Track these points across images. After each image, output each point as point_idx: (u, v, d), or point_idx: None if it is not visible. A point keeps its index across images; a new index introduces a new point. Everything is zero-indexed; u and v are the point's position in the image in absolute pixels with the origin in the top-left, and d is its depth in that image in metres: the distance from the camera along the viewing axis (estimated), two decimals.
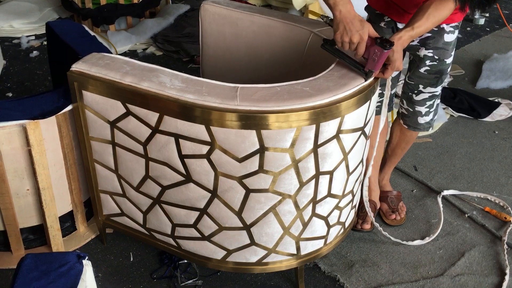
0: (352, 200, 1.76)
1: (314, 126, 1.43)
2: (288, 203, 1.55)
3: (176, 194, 1.58)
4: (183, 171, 1.51)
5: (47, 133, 1.68)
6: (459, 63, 3.47)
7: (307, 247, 1.69)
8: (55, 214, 1.78)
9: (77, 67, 1.55)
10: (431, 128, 2.00)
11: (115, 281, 1.77)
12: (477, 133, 2.72)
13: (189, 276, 1.80)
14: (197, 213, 1.58)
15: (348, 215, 1.78)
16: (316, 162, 1.50)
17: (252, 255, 1.64)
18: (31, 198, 1.75)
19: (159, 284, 1.77)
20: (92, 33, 2.03)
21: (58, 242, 1.83)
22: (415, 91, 1.90)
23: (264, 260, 1.66)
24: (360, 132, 1.58)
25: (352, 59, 1.57)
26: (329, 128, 1.46)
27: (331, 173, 1.56)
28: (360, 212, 2.05)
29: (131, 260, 1.86)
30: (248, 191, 1.50)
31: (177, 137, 1.46)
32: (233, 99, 1.40)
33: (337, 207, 1.68)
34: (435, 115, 1.97)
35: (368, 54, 1.52)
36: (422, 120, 1.95)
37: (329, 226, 1.70)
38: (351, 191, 1.71)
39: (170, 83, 1.47)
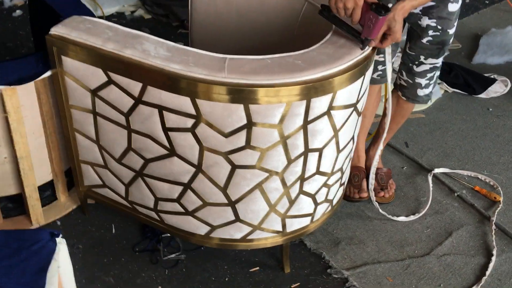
0: (341, 178, 1.71)
1: (304, 102, 1.37)
2: (275, 180, 1.50)
3: (159, 167, 1.52)
4: (167, 144, 1.45)
5: (25, 99, 1.60)
6: (456, 37, 3.38)
7: (293, 225, 1.65)
8: (33, 184, 1.72)
9: (56, 30, 1.46)
10: (430, 101, 1.94)
11: (96, 253, 1.73)
12: (471, 109, 2.67)
13: (172, 250, 1.76)
14: (180, 188, 1.53)
15: (337, 193, 1.74)
16: (306, 139, 1.45)
17: (237, 232, 1.60)
18: (9, 166, 1.68)
19: (141, 257, 1.73)
20: None
21: (37, 212, 1.77)
22: (416, 62, 1.83)
23: (249, 237, 1.62)
24: (352, 108, 1.52)
25: (350, 26, 1.50)
26: (320, 104, 1.40)
27: (320, 150, 1.51)
28: (354, 181, 2.02)
29: (113, 232, 1.81)
30: (234, 167, 1.44)
31: (161, 109, 1.39)
32: (221, 71, 1.33)
33: (325, 184, 1.63)
34: (434, 87, 1.92)
35: (364, 20, 1.45)
36: (421, 92, 1.90)
37: (316, 204, 1.66)
38: (341, 169, 1.66)
39: (154, 51, 1.39)
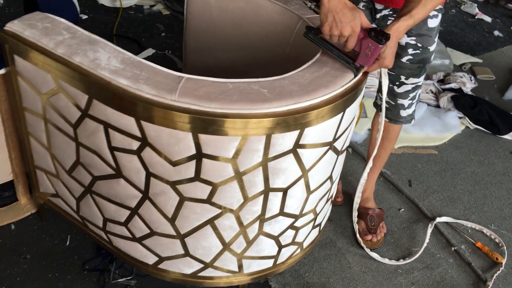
0: (314, 219, 1.53)
1: (264, 137, 1.20)
2: (229, 217, 1.33)
3: (106, 187, 1.38)
4: (113, 164, 1.31)
5: None
6: (491, 67, 3.12)
7: (252, 266, 1.49)
8: None
9: (10, 27, 1.34)
10: (413, 120, 1.78)
11: (43, 266, 1.61)
12: (491, 151, 2.42)
13: (123, 273, 1.62)
14: (128, 212, 1.39)
15: (308, 235, 1.56)
16: (266, 177, 1.28)
17: (186, 267, 1.45)
18: None
19: (89, 276, 1.60)
20: None
21: None
22: (397, 83, 1.68)
23: (200, 274, 1.46)
24: (327, 147, 1.34)
25: (341, 51, 1.34)
26: (283, 141, 1.22)
27: (284, 190, 1.33)
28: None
29: (67, 244, 1.69)
30: (183, 199, 1.29)
31: (107, 126, 1.25)
32: (172, 92, 1.17)
33: (292, 227, 1.46)
34: (417, 105, 1.77)
35: (360, 47, 1.29)
36: (404, 113, 1.74)
37: (280, 246, 1.49)
38: (313, 210, 1.48)
39: (106, 61, 1.24)
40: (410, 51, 1.60)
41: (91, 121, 1.27)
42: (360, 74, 1.35)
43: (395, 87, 1.69)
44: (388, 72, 1.69)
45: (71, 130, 1.35)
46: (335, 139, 1.35)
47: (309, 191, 1.40)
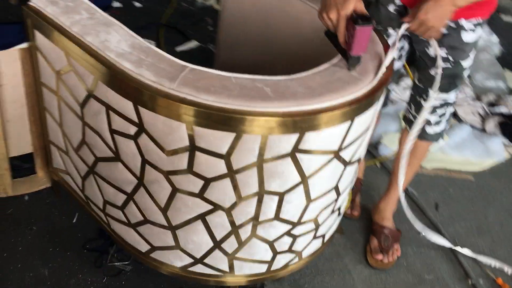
0: (315, 229, 1.47)
1: (259, 137, 1.16)
2: (220, 215, 1.30)
3: (106, 169, 1.39)
4: (112, 147, 1.31)
5: (6, 67, 1.54)
6: None
7: (243, 268, 1.44)
8: (3, 153, 1.66)
9: (34, 2, 1.37)
10: (441, 139, 1.69)
11: (46, 239, 1.65)
12: None
13: (122, 257, 1.63)
14: (124, 197, 1.39)
15: (308, 245, 1.50)
16: (261, 178, 1.23)
17: (177, 259, 1.43)
18: None
19: (87, 256, 1.62)
20: None
21: (5, 182, 1.72)
22: (424, 96, 1.59)
23: (190, 269, 1.44)
24: (331, 155, 1.27)
25: (341, 46, 1.28)
26: (280, 143, 1.18)
27: (280, 194, 1.28)
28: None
29: (74, 221, 1.71)
30: (175, 190, 1.27)
31: (108, 108, 1.25)
32: (172, 80, 1.15)
33: (289, 234, 1.40)
34: (447, 125, 1.67)
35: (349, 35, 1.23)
36: (430, 129, 1.65)
37: (275, 252, 1.44)
38: (314, 220, 1.42)
39: (115, 44, 1.24)
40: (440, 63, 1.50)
41: (95, 102, 1.28)
42: (365, 89, 1.26)
43: (422, 101, 1.60)
44: (416, 84, 1.62)
45: (78, 109, 1.36)
46: (341, 148, 1.29)
47: (309, 199, 1.34)
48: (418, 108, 1.63)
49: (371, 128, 1.41)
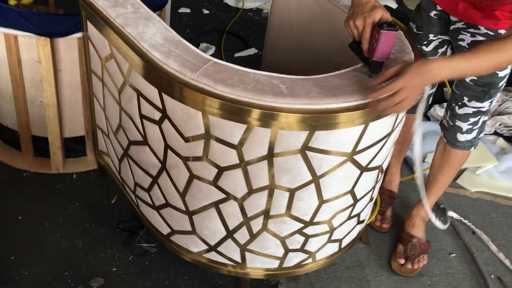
0: (330, 232, 1.49)
1: (269, 131, 1.21)
2: (232, 205, 1.36)
3: (137, 152, 1.49)
4: (142, 131, 1.42)
5: (65, 53, 1.71)
6: None
7: (255, 261, 1.49)
8: (57, 132, 1.83)
9: None
10: (473, 147, 1.66)
11: (85, 215, 1.79)
12: None
13: (149, 239, 1.73)
14: (150, 179, 1.49)
15: (322, 247, 1.52)
16: (271, 172, 1.28)
17: (193, 245, 1.50)
18: (43, 110, 1.82)
19: (119, 234, 1.74)
20: None
21: (57, 160, 1.89)
22: (459, 103, 1.58)
23: (205, 255, 1.51)
24: (344, 158, 1.30)
25: (364, 56, 1.31)
26: (289, 139, 1.22)
27: (291, 191, 1.32)
28: (380, 206, 1.87)
29: (112, 202, 1.85)
30: (192, 176, 1.35)
31: (139, 94, 1.36)
32: (194, 71, 1.24)
33: (300, 232, 1.43)
34: (480, 134, 1.64)
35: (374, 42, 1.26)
36: (462, 137, 1.63)
37: (287, 249, 1.47)
38: (328, 222, 1.45)
39: (150, 36, 1.35)
40: None
41: (129, 88, 1.39)
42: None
43: (456, 107, 1.60)
44: (454, 90, 1.61)
45: (117, 95, 1.48)
46: (355, 152, 1.31)
47: (321, 200, 1.37)
48: (452, 113, 1.62)
49: (393, 137, 1.42)
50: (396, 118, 1.36)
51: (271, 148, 1.24)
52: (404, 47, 1.47)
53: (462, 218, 1.99)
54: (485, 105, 1.56)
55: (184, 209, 1.44)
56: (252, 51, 2.85)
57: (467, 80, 1.52)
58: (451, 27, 1.54)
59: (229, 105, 1.19)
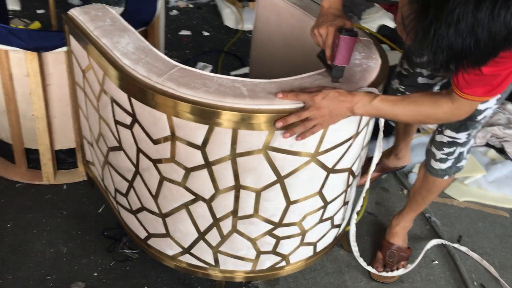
0: (301, 235, 1.51)
1: (230, 131, 1.26)
2: (201, 206, 1.40)
3: (114, 158, 1.55)
4: (117, 136, 1.48)
5: (53, 68, 1.80)
6: None
7: (227, 263, 1.52)
8: (46, 144, 1.91)
9: (72, 12, 1.61)
10: (447, 176, 1.62)
11: (72, 223, 1.84)
12: None
13: (132, 246, 1.77)
14: (127, 184, 1.54)
15: (295, 250, 1.54)
16: (235, 172, 1.32)
17: (168, 248, 1.54)
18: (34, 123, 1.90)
19: (103, 241, 1.79)
20: None
21: (48, 171, 1.97)
22: (438, 129, 1.58)
23: (179, 258, 1.55)
24: (308, 158, 1.34)
25: (328, 63, 1.36)
26: (251, 139, 1.27)
27: (257, 191, 1.36)
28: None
29: (99, 211, 1.90)
30: (162, 178, 1.40)
31: (112, 100, 1.43)
32: (160, 76, 1.30)
33: (271, 234, 1.46)
34: (458, 163, 1.59)
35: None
36: (435, 164, 1.61)
37: (259, 251, 1.50)
38: (298, 224, 1.47)
39: (123, 45, 1.43)
40: None
41: (104, 95, 1.46)
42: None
43: (436, 133, 1.58)
44: None
45: (96, 102, 1.56)
46: (318, 152, 1.34)
47: (288, 200, 1.40)
48: (431, 139, 1.60)
49: (360, 140, 1.45)
50: (360, 122, 1.40)
51: (233, 148, 1.29)
52: (371, 54, 1.51)
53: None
54: (461, 137, 1.51)
55: (157, 211, 1.48)
56: (247, 69, 2.92)
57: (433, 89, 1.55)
58: None
59: (191, 107, 1.24)
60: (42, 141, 1.90)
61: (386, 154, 2.12)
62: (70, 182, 2.01)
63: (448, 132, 1.52)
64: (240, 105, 1.24)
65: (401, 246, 1.80)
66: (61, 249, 1.74)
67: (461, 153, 1.57)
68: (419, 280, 1.77)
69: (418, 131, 2.49)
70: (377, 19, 3.40)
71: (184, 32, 3.28)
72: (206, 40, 3.22)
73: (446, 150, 1.56)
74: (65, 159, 2.07)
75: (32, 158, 2.03)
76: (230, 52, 3.09)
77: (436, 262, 1.85)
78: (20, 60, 1.76)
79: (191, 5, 3.70)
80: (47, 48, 1.71)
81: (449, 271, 1.82)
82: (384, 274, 1.73)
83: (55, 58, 1.78)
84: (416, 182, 1.73)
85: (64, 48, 1.73)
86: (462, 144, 1.54)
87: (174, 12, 3.56)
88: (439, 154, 1.58)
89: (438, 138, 1.56)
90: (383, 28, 3.28)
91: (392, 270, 1.74)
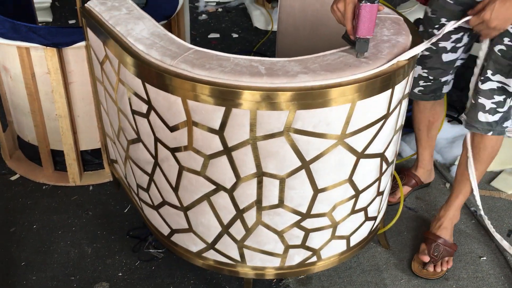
0: (333, 227, 1.41)
1: (248, 112, 1.17)
2: (223, 196, 1.32)
3: (134, 151, 1.50)
4: (135, 127, 1.42)
5: (75, 65, 1.77)
6: None
7: (254, 259, 1.43)
8: (70, 144, 1.88)
9: (89, 4, 1.58)
10: (491, 132, 1.51)
11: (97, 223, 1.80)
12: None
13: (158, 245, 1.71)
14: (147, 178, 1.48)
15: (327, 244, 1.44)
16: (257, 158, 1.24)
17: (191, 244, 1.47)
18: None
19: (128, 241, 1.73)
20: None
21: (73, 172, 1.94)
22: (482, 78, 1.47)
23: (204, 254, 1.46)
24: (334, 141, 1.24)
25: (350, 38, 1.28)
26: (270, 120, 1.18)
27: (282, 178, 1.27)
28: (395, 182, 1.87)
29: (125, 211, 1.85)
30: (181, 168, 1.33)
31: (128, 89, 1.37)
32: (174, 58, 1.24)
33: (298, 225, 1.36)
34: (505, 122, 1.49)
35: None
36: (482, 117, 1.50)
37: (287, 246, 1.40)
38: (329, 215, 1.37)
39: (138, 32, 1.37)
40: (506, 40, 1.41)
41: (121, 85, 1.41)
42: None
43: (480, 83, 1.49)
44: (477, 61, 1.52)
45: (114, 94, 1.51)
46: (345, 134, 1.24)
47: (316, 188, 1.31)
48: (475, 90, 1.51)
49: (391, 121, 1.34)
50: (391, 101, 1.29)
51: (252, 131, 1.20)
52: (401, 30, 1.41)
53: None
54: (511, 84, 1.44)
55: (178, 204, 1.41)
56: None
57: (495, 49, 1.42)
58: None
59: (205, 88, 1.17)
60: (66, 141, 1.87)
61: (414, 168, 1.95)
62: (96, 183, 1.97)
63: (497, 76, 1.44)
64: (257, 84, 1.16)
65: (448, 241, 1.66)
66: (86, 250, 1.69)
67: (510, 106, 1.49)
68: (465, 277, 1.63)
69: (460, 122, 2.34)
70: (413, 12, 3.28)
71: (213, 35, 3.24)
72: (235, 42, 3.17)
73: (497, 98, 1.47)
74: (91, 160, 2.04)
75: (59, 160, 2.01)
76: (259, 52, 3.03)
77: (484, 258, 1.70)
78: (41, 59, 1.74)
79: (220, 9, 3.67)
80: (66, 44, 1.68)
81: (499, 267, 1.66)
82: (429, 269, 1.60)
83: (76, 54, 1.75)
84: (462, 158, 1.63)
85: (83, 43, 1.70)
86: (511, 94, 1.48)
87: (204, 16, 3.53)
88: (489, 104, 1.48)
89: (486, 86, 1.46)
90: (418, 22, 3.15)
91: (436, 266, 1.61)
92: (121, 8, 1.52)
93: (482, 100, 1.48)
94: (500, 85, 1.45)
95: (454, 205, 1.68)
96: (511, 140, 2.21)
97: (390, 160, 1.45)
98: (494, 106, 1.48)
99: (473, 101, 1.51)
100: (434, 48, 1.60)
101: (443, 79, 1.65)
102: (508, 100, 1.48)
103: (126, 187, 1.76)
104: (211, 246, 1.44)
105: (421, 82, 1.66)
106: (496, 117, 1.49)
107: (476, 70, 1.50)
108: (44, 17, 3.25)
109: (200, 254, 1.48)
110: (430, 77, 1.65)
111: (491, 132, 1.52)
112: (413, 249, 1.72)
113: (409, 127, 2.24)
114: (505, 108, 1.49)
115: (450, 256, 1.65)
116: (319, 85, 1.17)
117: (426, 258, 1.62)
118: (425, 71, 1.65)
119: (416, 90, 1.69)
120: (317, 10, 1.74)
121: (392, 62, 1.25)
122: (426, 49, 1.63)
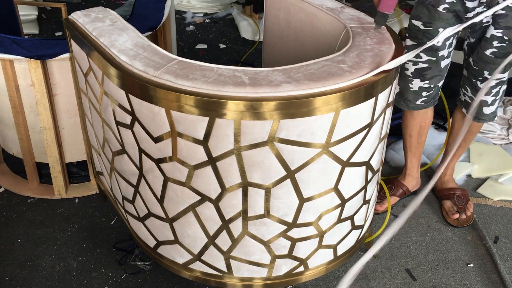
0: (319, 236, 1.40)
1: (231, 122, 1.17)
2: (209, 207, 1.31)
3: (119, 163, 1.49)
4: (119, 139, 1.41)
5: (60, 77, 1.76)
6: None
7: (241, 270, 1.42)
8: (56, 156, 1.86)
9: (72, 16, 1.57)
10: (496, 118, 1.79)
11: (83, 236, 1.78)
12: None
13: (144, 258, 1.69)
14: (132, 189, 1.47)
15: (314, 253, 1.43)
16: (242, 168, 1.23)
17: (177, 255, 1.45)
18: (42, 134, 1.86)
19: (114, 254, 1.71)
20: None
21: (59, 184, 1.92)
22: (480, 78, 1.65)
23: (191, 266, 1.45)
24: (319, 150, 1.24)
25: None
26: (254, 129, 1.18)
27: (267, 188, 1.27)
28: (380, 191, 1.93)
29: (111, 223, 1.83)
30: (166, 179, 1.32)
31: (112, 100, 1.37)
32: (157, 69, 1.23)
33: (285, 235, 1.36)
34: (500, 102, 1.76)
35: None
36: (488, 110, 1.74)
37: (273, 256, 1.39)
38: (315, 224, 1.36)
39: (121, 43, 1.37)
40: (495, 43, 1.56)
41: (105, 96, 1.41)
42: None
43: (478, 83, 1.67)
44: (471, 66, 1.66)
45: (98, 106, 1.50)
46: (329, 143, 1.24)
47: (301, 198, 1.30)
48: (475, 89, 1.69)
49: (376, 130, 1.34)
50: (374, 109, 1.29)
51: (237, 141, 1.20)
52: (384, 39, 1.42)
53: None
54: (505, 75, 1.65)
55: (164, 216, 1.40)
56: None
57: (487, 53, 1.57)
58: (467, 15, 1.55)
59: (189, 98, 1.17)
60: (51, 153, 1.86)
61: (402, 177, 1.96)
62: (82, 196, 1.95)
63: (497, 76, 1.63)
64: (241, 94, 1.16)
65: (458, 188, 1.93)
66: (71, 263, 1.67)
67: (503, 91, 1.70)
68: (453, 285, 1.63)
69: None
70: (396, 23, 3.30)
71: (200, 46, 3.24)
72: (222, 53, 3.17)
73: (494, 91, 1.67)
74: (77, 172, 2.02)
75: (45, 173, 1.99)
76: (246, 63, 3.04)
77: (471, 265, 1.70)
78: (25, 71, 1.73)
79: (207, 20, 3.68)
80: (50, 56, 1.67)
81: (486, 273, 1.67)
82: (462, 217, 1.85)
83: (60, 66, 1.74)
84: (455, 130, 1.84)
85: (67, 55, 1.69)
86: (504, 82, 1.68)
87: (191, 27, 3.53)
88: (490, 98, 1.69)
89: (485, 85, 1.62)
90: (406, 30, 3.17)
91: (465, 211, 1.84)
92: (104, 19, 1.52)
93: (484, 97, 1.68)
94: (497, 81, 1.65)
95: (451, 166, 1.95)
96: (497, 148, 2.23)
97: (375, 168, 1.46)
98: (493, 97, 1.69)
99: (475, 100, 1.59)
100: (434, 59, 1.67)
101: (440, 84, 1.75)
102: (502, 86, 1.69)
103: (112, 199, 1.75)
104: (198, 257, 1.43)
105: (424, 93, 1.73)
106: (496, 104, 1.72)
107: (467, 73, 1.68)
108: (30, 29, 3.24)
109: (186, 266, 1.46)
110: (432, 86, 1.72)
111: (496, 118, 1.75)
112: (400, 257, 1.72)
113: (397, 135, 2.26)
114: (500, 94, 1.71)
115: (468, 200, 1.90)
116: (303, 94, 1.17)
117: (456, 215, 1.85)
118: (426, 82, 1.71)
119: (419, 102, 1.75)
120: (301, 20, 1.75)
121: (375, 71, 1.26)
122: (425, 61, 1.68)
